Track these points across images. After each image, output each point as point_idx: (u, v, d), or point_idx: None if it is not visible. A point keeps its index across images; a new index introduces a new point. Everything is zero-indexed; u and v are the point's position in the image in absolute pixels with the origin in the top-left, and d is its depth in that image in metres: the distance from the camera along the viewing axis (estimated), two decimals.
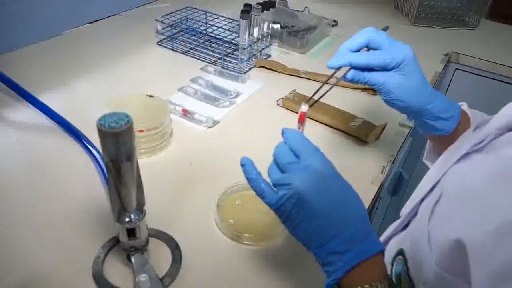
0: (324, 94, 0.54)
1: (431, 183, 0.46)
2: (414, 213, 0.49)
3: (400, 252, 0.47)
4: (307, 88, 0.93)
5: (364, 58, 0.53)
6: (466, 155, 0.44)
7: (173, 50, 1.06)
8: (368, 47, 0.54)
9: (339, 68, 0.54)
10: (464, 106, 0.61)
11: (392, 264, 0.49)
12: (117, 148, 0.39)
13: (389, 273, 0.48)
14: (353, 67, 0.53)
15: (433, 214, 0.43)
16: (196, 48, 1.07)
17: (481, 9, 1.36)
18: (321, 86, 0.54)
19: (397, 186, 1.14)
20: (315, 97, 0.54)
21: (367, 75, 0.54)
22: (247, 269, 0.54)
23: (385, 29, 0.58)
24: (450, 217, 0.40)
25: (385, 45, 0.53)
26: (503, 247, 0.32)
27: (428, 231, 0.42)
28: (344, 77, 0.54)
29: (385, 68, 0.54)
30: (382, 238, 0.55)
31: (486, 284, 0.32)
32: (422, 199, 0.47)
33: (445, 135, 0.58)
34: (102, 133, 0.38)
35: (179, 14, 1.15)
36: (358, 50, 0.54)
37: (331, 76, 0.56)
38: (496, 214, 0.34)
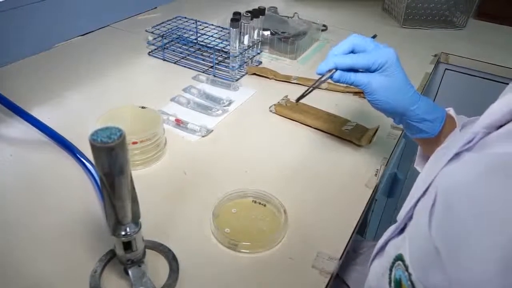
0: (312, 90, 0.62)
1: (425, 185, 0.47)
2: (409, 216, 0.49)
3: (399, 258, 0.47)
4: (299, 93, 0.93)
5: (348, 60, 0.57)
6: (457, 155, 0.44)
7: (165, 60, 1.06)
8: (354, 52, 0.58)
9: (328, 71, 0.58)
10: (451, 111, 0.63)
11: (391, 270, 0.49)
12: (110, 162, 0.39)
13: (388, 278, 0.48)
14: (339, 68, 0.58)
15: (432, 217, 0.43)
16: (188, 57, 1.08)
17: (468, 9, 1.38)
18: (311, 89, 0.62)
19: (393, 187, 1.15)
20: (305, 94, 0.63)
21: (352, 76, 0.58)
22: (245, 277, 0.54)
23: (373, 37, 0.62)
24: (447, 220, 0.40)
25: (369, 48, 0.57)
26: None
27: (430, 235, 0.41)
28: (331, 77, 0.59)
29: (368, 70, 0.58)
30: (379, 243, 0.55)
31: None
32: (417, 202, 0.48)
33: (431, 137, 0.59)
34: (95, 148, 0.38)
35: (169, 24, 1.15)
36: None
37: (319, 79, 0.60)
38: (497, 225, 0.34)
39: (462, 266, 0.35)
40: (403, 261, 0.45)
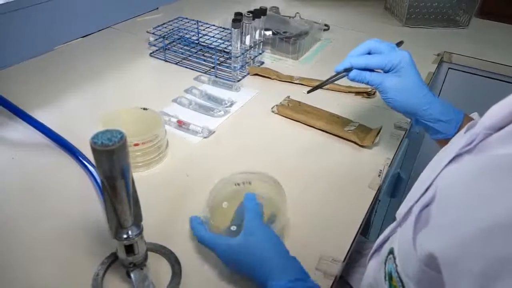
0: (326, 84, 0.67)
1: (426, 185, 0.47)
2: (409, 215, 0.49)
3: (391, 251, 0.47)
4: (301, 94, 0.93)
5: (363, 60, 0.62)
6: (457, 156, 0.44)
7: (166, 61, 1.06)
8: (371, 54, 0.64)
9: (345, 70, 0.63)
10: (475, 115, 0.64)
11: (385, 264, 0.49)
12: (111, 165, 0.39)
13: (383, 272, 0.48)
14: (355, 67, 0.63)
15: (420, 215, 0.43)
16: (189, 58, 1.07)
17: (471, 7, 1.37)
18: (327, 82, 0.67)
19: (396, 187, 1.14)
20: (318, 87, 0.68)
21: (367, 75, 0.63)
22: (249, 280, 0.54)
23: (399, 43, 0.68)
24: (435, 219, 0.40)
25: (384, 51, 0.62)
26: (491, 246, 0.31)
27: (413, 230, 0.42)
28: (347, 75, 0.64)
29: (383, 70, 0.63)
30: (377, 242, 0.55)
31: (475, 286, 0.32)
32: (417, 201, 0.47)
33: (449, 138, 0.60)
34: (95, 151, 0.38)
35: (170, 24, 1.15)
36: None
37: (336, 75, 0.65)
38: (483, 215, 0.33)
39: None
40: (393, 253, 0.46)
